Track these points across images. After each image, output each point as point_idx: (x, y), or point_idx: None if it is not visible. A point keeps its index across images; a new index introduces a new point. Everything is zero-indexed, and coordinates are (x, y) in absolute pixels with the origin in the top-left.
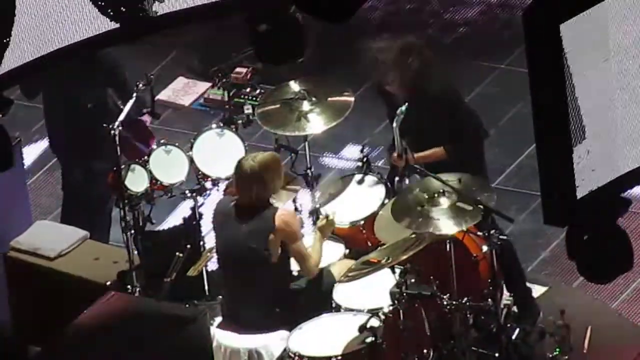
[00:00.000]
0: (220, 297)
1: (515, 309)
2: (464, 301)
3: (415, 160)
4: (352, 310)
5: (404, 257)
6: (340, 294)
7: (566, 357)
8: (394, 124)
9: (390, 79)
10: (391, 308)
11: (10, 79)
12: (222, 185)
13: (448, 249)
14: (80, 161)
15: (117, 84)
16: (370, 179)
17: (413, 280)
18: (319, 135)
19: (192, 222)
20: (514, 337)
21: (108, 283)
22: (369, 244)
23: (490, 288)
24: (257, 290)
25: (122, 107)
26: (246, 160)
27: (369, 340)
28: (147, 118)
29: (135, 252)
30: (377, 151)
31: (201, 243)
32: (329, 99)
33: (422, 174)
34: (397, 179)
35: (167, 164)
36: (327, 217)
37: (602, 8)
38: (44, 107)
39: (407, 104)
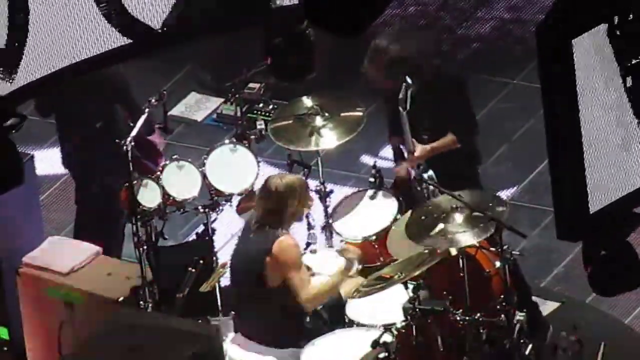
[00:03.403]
0: (233, 312)
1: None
2: (476, 317)
3: (428, 152)
4: (365, 325)
5: (417, 272)
6: (353, 309)
7: None
8: (401, 110)
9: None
10: (404, 324)
11: (22, 96)
12: (235, 201)
13: (461, 264)
14: (93, 177)
15: (124, 100)
16: (382, 194)
17: (426, 296)
18: (331, 150)
19: (205, 237)
20: (527, 352)
21: (121, 299)
22: (382, 259)
23: (503, 303)
24: (260, 308)
25: (131, 123)
26: (274, 177)
27: (382, 355)
28: (158, 134)
29: (148, 268)
30: (389, 166)
31: (214, 259)
32: (342, 114)
33: (434, 189)
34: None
35: (180, 180)
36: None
37: None
38: (57, 124)
39: (410, 82)
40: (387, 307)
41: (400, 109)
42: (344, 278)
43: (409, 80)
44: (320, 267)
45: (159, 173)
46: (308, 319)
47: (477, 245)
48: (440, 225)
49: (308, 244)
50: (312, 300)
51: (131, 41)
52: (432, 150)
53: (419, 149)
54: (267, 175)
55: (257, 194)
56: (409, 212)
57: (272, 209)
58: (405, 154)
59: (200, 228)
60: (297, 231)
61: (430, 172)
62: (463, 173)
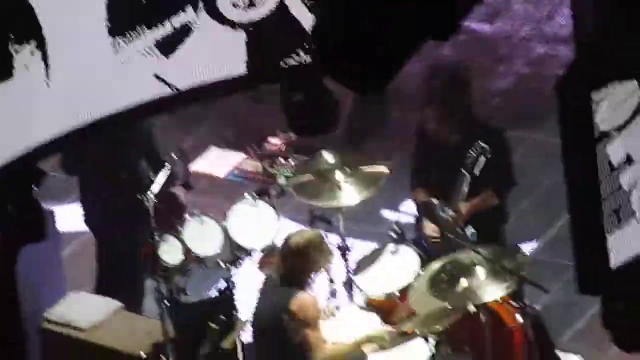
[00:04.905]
0: None
1: None
2: None
3: (469, 209)
4: None
5: (439, 326)
6: None
7: None
8: (466, 171)
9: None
10: None
11: (43, 151)
12: (256, 256)
13: (483, 319)
14: (115, 232)
15: (148, 153)
16: (404, 249)
17: (447, 351)
18: (352, 206)
19: (226, 292)
20: None
21: (144, 355)
22: (404, 315)
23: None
24: None
25: (153, 178)
26: (294, 235)
27: None
28: (180, 190)
29: (170, 324)
30: (410, 221)
31: (234, 313)
32: (363, 169)
33: (457, 244)
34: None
35: (201, 235)
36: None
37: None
38: (80, 179)
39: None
40: None
41: (465, 171)
42: (362, 347)
43: (486, 146)
44: (343, 330)
45: (180, 228)
46: None
47: (499, 300)
48: (464, 281)
49: (329, 299)
50: None
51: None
52: (474, 207)
53: (464, 207)
54: (288, 230)
55: (279, 252)
56: (430, 266)
57: (294, 267)
58: (438, 210)
59: (222, 284)
60: (318, 287)
61: (473, 230)
62: (493, 229)
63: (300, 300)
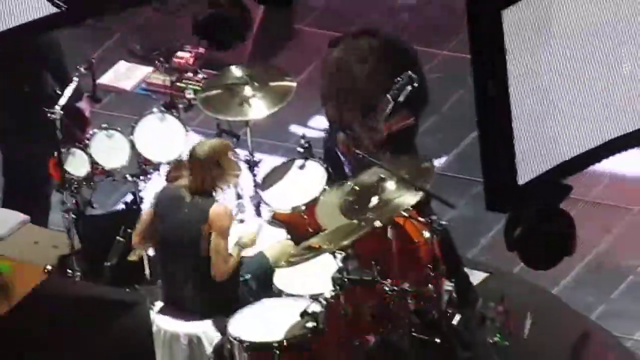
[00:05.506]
0: (160, 282)
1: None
2: (404, 287)
3: (388, 129)
4: (293, 295)
5: (346, 242)
6: (281, 279)
7: (507, 342)
8: (391, 98)
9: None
10: (333, 293)
11: None
12: (163, 170)
13: (389, 234)
14: (21, 145)
15: (54, 67)
16: (311, 164)
17: (354, 266)
18: (260, 120)
19: (133, 206)
20: (455, 323)
21: (48, 267)
22: (310, 229)
23: (432, 274)
24: (192, 277)
25: (59, 91)
26: (200, 146)
27: (310, 325)
28: (86, 102)
29: (76, 237)
30: (318, 136)
31: None
32: (271, 83)
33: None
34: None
35: (109, 148)
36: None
37: None
38: None
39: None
40: (316, 277)
41: (390, 97)
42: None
43: (414, 75)
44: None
45: (87, 141)
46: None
47: (406, 215)
48: (375, 198)
49: (236, 214)
50: (229, 271)
51: (62, 10)
52: (393, 126)
53: (384, 127)
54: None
55: (185, 164)
56: (337, 185)
57: (200, 177)
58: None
59: (129, 197)
60: (226, 201)
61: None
62: (404, 146)
63: (218, 208)
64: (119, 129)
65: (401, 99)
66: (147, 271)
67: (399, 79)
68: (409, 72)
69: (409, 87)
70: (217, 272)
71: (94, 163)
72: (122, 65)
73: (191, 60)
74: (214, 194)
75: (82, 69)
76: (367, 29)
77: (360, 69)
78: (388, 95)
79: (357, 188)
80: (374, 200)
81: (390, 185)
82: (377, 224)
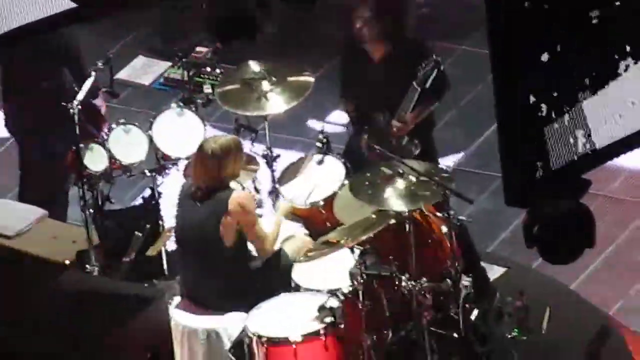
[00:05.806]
0: (179, 277)
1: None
2: (422, 282)
3: (411, 121)
4: (311, 290)
5: (364, 237)
6: (300, 273)
7: (525, 337)
8: (417, 85)
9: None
10: (350, 288)
11: None
12: (181, 165)
13: (408, 229)
14: (38, 140)
15: (71, 63)
16: (329, 159)
17: (372, 261)
18: (278, 115)
19: (151, 201)
20: (473, 318)
21: (67, 262)
22: (328, 224)
23: (450, 269)
24: (213, 272)
25: (76, 87)
26: (207, 142)
27: (328, 320)
28: (101, 99)
29: (94, 232)
30: (336, 131)
31: (160, 222)
32: (289, 78)
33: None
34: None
35: (127, 144)
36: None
37: None
38: (2, 87)
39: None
40: (334, 271)
41: (416, 84)
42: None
43: (439, 59)
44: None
45: (105, 137)
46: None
47: (425, 210)
48: (389, 191)
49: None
50: (273, 245)
51: (77, 5)
52: (418, 115)
53: (410, 117)
54: None
55: (194, 162)
56: (356, 176)
57: (211, 174)
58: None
59: (147, 192)
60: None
61: (408, 139)
62: (422, 138)
63: (238, 197)
64: (137, 124)
65: (427, 85)
66: (165, 266)
67: (423, 64)
68: (434, 56)
69: (435, 72)
70: (262, 253)
71: (112, 158)
72: (140, 60)
73: (209, 55)
74: (230, 185)
75: (99, 65)
76: None
77: None
78: (414, 83)
79: (376, 177)
80: (388, 193)
81: (402, 184)
82: (396, 219)
